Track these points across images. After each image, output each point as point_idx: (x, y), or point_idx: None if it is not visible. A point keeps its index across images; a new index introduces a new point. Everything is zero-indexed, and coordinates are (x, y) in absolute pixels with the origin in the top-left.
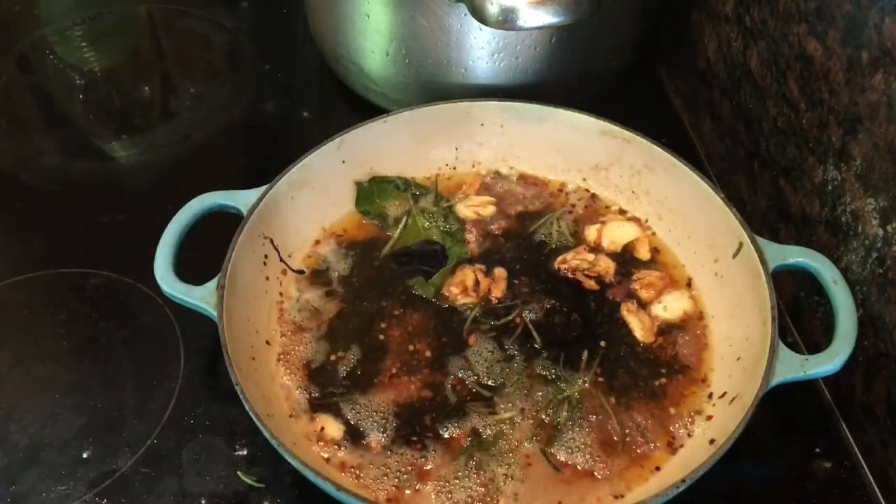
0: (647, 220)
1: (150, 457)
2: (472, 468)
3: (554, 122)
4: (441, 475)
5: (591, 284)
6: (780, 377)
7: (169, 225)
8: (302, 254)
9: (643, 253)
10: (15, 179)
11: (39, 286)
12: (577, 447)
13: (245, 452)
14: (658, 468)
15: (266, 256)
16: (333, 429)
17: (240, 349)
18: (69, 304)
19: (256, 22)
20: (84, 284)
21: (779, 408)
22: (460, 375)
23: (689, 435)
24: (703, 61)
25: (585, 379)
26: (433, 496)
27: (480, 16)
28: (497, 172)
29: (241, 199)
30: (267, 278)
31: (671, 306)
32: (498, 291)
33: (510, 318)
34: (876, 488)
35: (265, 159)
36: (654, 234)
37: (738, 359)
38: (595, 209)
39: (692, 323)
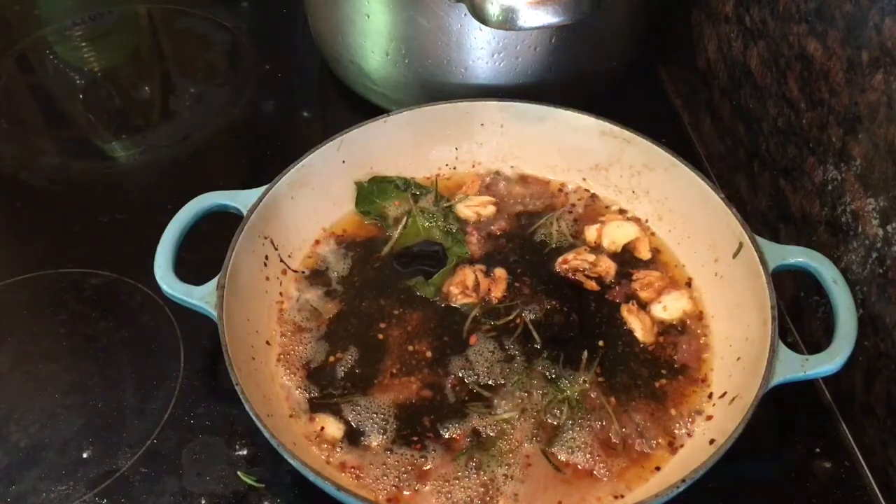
0: (647, 220)
1: (150, 457)
2: (472, 468)
3: (554, 122)
4: (441, 475)
5: (592, 285)
6: (780, 377)
7: (169, 225)
8: (302, 254)
9: (643, 252)
10: (15, 179)
11: (39, 286)
12: (577, 447)
13: (245, 452)
14: (658, 468)
15: (266, 256)
16: (333, 429)
17: (240, 349)
18: (69, 304)
19: (256, 22)
20: (84, 284)
21: (779, 408)
22: (460, 375)
23: (689, 435)
24: (703, 61)
25: (586, 379)
26: (433, 496)
27: (480, 16)
28: (497, 172)
29: (241, 199)
30: (267, 278)
31: (671, 306)
32: (498, 291)
33: (510, 318)
34: (876, 488)
35: (265, 159)
36: (654, 234)
37: (738, 359)
38: (595, 209)
39: (692, 323)
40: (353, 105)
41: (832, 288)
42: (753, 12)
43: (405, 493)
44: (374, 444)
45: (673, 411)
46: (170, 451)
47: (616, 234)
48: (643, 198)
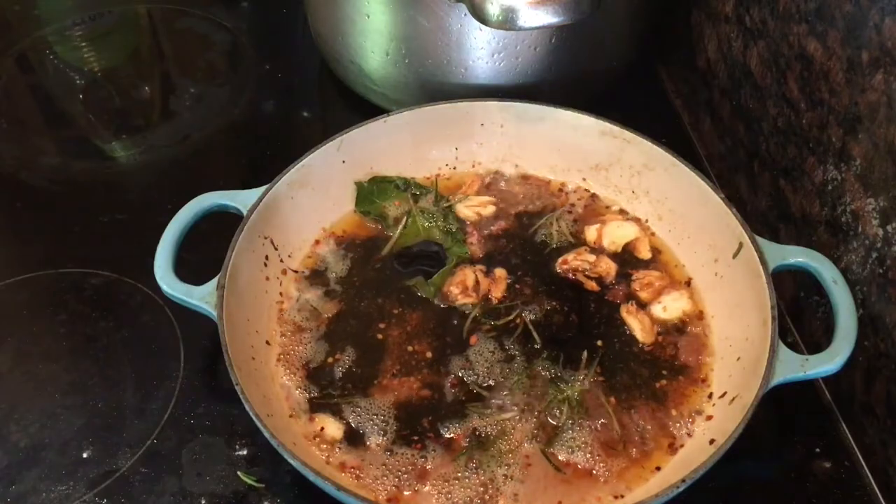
0: (647, 220)
1: (150, 457)
2: (471, 468)
3: (554, 122)
4: (441, 475)
5: (592, 285)
6: (780, 377)
7: (169, 225)
8: (302, 254)
9: (644, 252)
10: (15, 179)
11: (39, 286)
12: (577, 447)
13: (245, 452)
14: (658, 468)
15: (266, 256)
16: (333, 429)
17: (240, 349)
18: (69, 304)
19: (256, 22)
20: (84, 284)
21: (779, 408)
22: (460, 375)
23: (689, 435)
24: (703, 61)
25: (586, 379)
26: (433, 496)
27: (480, 16)
28: (497, 172)
29: (241, 199)
30: (267, 278)
31: (671, 306)
32: (498, 291)
33: (510, 318)
34: (876, 488)
35: (265, 159)
36: (653, 234)
37: (738, 359)
38: (595, 209)
39: (692, 323)
40: (353, 105)
41: (832, 288)
42: (753, 12)
43: (405, 493)
44: (374, 444)
45: (673, 411)
46: (170, 451)
47: (616, 234)
48: (643, 198)
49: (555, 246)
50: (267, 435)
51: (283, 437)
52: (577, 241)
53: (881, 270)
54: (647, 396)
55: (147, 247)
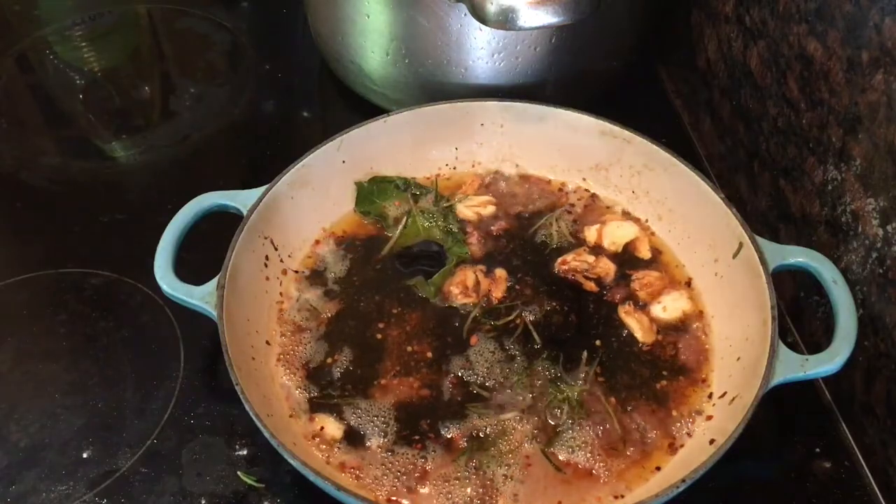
0: (646, 220)
1: (150, 457)
2: (471, 469)
3: (554, 122)
4: (441, 475)
5: (591, 286)
6: (780, 377)
7: (169, 225)
8: (302, 254)
9: (644, 252)
10: (15, 179)
11: (39, 286)
12: (577, 447)
13: (245, 452)
14: (658, 468)
15: (266, 257)
16: (333, 429)
17: (240, 349)
18: (69, 304)
19: (256, 22)
20: (84, 284)
21: (779, 408)
22: (460, 375)
23: (689, 435)
24: (703, 61)
25: (586, 379)
26: (433, 496)
27: (480, 16)
28: (497, 172)
29: (241, 199)
30: (267, 278)
31: (670, 306)
32: (498, 292)
33: (511, 318)
34: (876, 488)
35: (265, 159)
36: (653, 234)
37: (738, 359)
38: (595, 209)
39: (692, 323)
40: (353, 105)
41: (832, 288)
42: (753, 12)
43: (405, 493)
44: (374, 444)
45: (673, 411)
46: (170, 451)
47: (616, 234)
48: (643, 198)
49: (555, 246)
50: (267, 435)
51: (283, 437)
52: (577, 242)
53: (881, 270)
54: (647, 396)
55: (147, 247)
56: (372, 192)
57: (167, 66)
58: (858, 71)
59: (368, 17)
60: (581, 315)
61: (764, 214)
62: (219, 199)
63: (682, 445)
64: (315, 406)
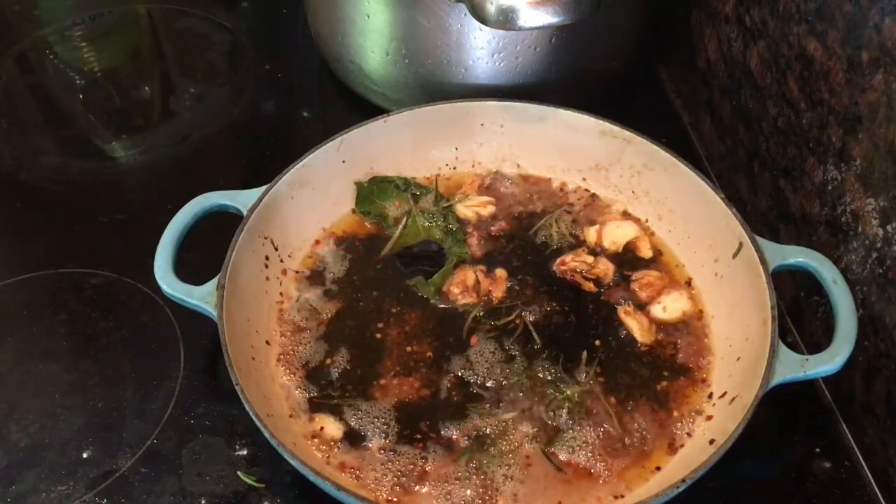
0: (646, 220)
1: (150, 457)
2: (472, 469)
3: (554, 122)
4: (441, 475)
5: (590, 286)
6: (780, 377)
7: (169, 225)
8: (302, 254)
9: (644, 252)
10: (15, 179)
11: (39, 286)
12: (577, 447)
13: (245, 452)
14: (658, 468)
15: (266, 256)
16: (333, 429)
17: (240, 349)
18: (69, 304)
19: (256, 22)
20: (84, 284)
21: (779, 408)
22: (460, 375)
23: (689, 435)
24: (703, 61)
25: (586, 379)
26: (433, 496)
27: (480, 16)
28: (497, 172)
29: (241, 199)
30: (267, 278)
31: (670, 307)
32: (498, 292)
33: (511, 318)
34: (876, 488)
35: (265, 159)
36: (653, 234)
37: (738, 359)
38: (595, 209)
39: (692, 323)
40: (353, 105)
41: (832, 288)
42: (753, 12)
43: (405, 493)
44: (374, 444)
45: (674, 412)
46: (170, 451)
47: (616, 234)
48: (643, 198)
49: (555, 247)
50: (267, 435)
51: (282, 437)
52: (577, 242)
53: (881, 270)
54: (647, 396)
55: (147, 247)
56: (372, 192)
57: (167, 66)
58: (858, 71)
59: (368, 17)
60: (581, 315)
61: (764, 214)
62: (219, 199)
63: (682, 445)
64: (315, 406)
